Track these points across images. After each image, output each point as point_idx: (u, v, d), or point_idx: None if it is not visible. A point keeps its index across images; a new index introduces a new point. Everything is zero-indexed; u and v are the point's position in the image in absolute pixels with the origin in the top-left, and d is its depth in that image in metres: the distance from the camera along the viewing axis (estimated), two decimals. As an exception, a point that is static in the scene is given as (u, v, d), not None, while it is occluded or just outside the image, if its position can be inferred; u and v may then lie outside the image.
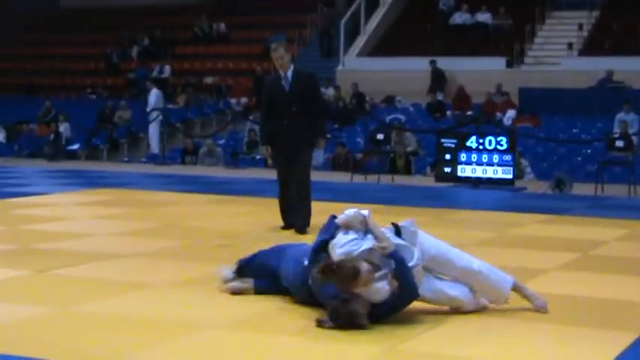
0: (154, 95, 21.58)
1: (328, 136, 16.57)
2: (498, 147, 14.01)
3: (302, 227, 8.88)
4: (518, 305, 5.72)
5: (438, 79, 23.32)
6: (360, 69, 24.27)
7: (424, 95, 22.76)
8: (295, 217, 8.99)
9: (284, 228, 9.06)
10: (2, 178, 14.88)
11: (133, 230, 9.12)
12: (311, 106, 8.86)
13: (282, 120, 8.82)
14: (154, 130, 21.15)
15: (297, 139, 8.80)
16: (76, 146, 22.14)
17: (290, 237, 8.60)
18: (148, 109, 21.32)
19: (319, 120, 9.03)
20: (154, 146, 21.11)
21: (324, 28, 26.50)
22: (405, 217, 5.94)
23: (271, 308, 5.74)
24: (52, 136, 21.52)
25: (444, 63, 23.70)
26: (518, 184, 14.47)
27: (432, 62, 23.44)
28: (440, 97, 22.71)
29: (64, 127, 22.03)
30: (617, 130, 18.06)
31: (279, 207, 9.19)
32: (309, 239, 8.54)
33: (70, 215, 10.24)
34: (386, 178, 15.79)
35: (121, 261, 7.38)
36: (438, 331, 5.25)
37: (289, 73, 8.83)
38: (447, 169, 14.38)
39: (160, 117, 20.44)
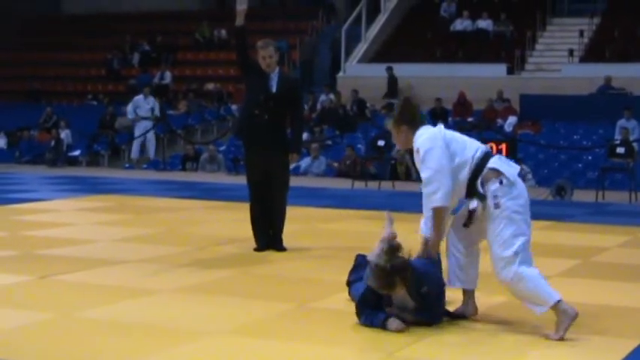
0: (141, 102, 21.59)
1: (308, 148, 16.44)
2: (499, 153, 13.99)
3: (281, 248, 8.30)
4: (518, 314, 5.72)
5: (393, 85, 23.48)
6: (361, 75, 24.30)
7: (425, 102, 22.75)
8: (272, 237, 8.35)
9: (257, 249, 8.26)
10: (3, 185, 14.89)
11: (134, 236, 9.12)
12: (292, 111, 8.36)
13: (262, 115, 8.14)
14: (151, 136, 21.24)
15: (275, 148, 8.18)
16: (77, 152, 22.13)
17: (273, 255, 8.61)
18: (129, 117, 21.45)
19: (297, 131, 8.48)
20: (152, 152, 21.16)
21: (305, 57, 26.66)
22: (407, 224, 5.93)
23: (272, 314, 5.75)
24: (53, 143, 21.53)
25: (445, 69, 23.72)
26: (520, 190, 14.45)
27: (389, 69, 23.70)
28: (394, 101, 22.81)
29: (65, 134, 22.03)
30: (618, 136, 18.07)
31: (250, 216, 8.41)
32: (318, 241, 8.54)
33: (71, 221, 10.25)
34: (387, 185, 15.80)
35: (122, 267, 7.38)
36: (435, 339, 5.25)
37: (274, 75, 8.30)
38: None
39: (149, 127, 20.70)
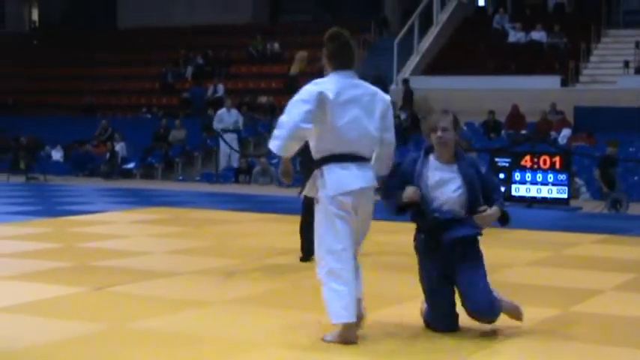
0: (224, 115, 21.86)
1: None
2: (553, 166, 13.89)
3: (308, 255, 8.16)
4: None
5: (408, 97, 23.39)
6: (413, 88, 24.25)
7: (478, 114, 22.66)
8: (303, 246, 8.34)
9: (302, 259, 8.28)
10: (60, 197, 15.11)
11: (187, 248, 9.19)
12: None
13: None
14: (235, 146, 21.44)
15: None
16: (131, 165, 22.39)
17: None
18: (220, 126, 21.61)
19: None
20: (236, 162, 21.23)
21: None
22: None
23: (324, 326, 5.74)
24: (107, 155, 21.80)
25: (498, 82, 23.57)
26: (574, 203, 14.33)
27: (405, 81, 23.76)
28: (403, 115, 22.68)
29: (119, 146, 22.30)
30: (674, 149, 17.81)
31: (299, 228, 8.47)
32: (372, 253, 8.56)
33: (125, 233, 10.36)
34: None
35: (175, 279, 7.45)
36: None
37: None
38: (501, 189, 14.26)
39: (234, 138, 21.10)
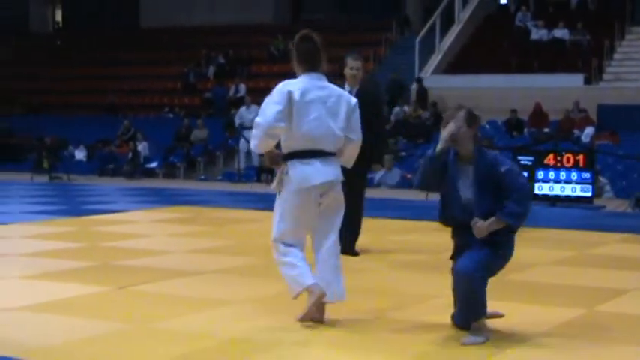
0: (244, 113, 21.88)
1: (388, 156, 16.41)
2: (576, 165, 13.81)
3: (353, 252, 8.47)
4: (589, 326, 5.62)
5: (423, 96, 23.32)
6: (435, 86, 24.20)
7: (500, 112, 22.59)
8: (344, 242, 8.64)
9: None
10: (83, 196, 15.18)
11: (209, 247, 9.21)
12: (371, 125, 8.33)
13: None
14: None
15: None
16: (153, 164, 22.47)
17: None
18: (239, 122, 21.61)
19: (377, 142, 8.53)
20: (256, 161, 21.24)
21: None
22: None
23: (346, 325, 5.74)
24: (130, 155, 21.89)
25: (520, 80, 23.48)
26: (597, 202, 14.23)
27: (418, 80, 23.73)
28: (427, 114, 22.63)
29: (142, 146, 22.39)
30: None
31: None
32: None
33: (148, 232, 10.39)
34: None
35: (198, 278, 7.46)
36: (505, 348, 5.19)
37: (355, 90, 8.48)
38: (524, 189, 14.17)
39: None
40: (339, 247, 5.83)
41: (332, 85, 5.78)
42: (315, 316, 5.65)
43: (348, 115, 5.73)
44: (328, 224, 5.74)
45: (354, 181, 8.38)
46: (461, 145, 5.41)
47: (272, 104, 5.61)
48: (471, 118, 5.44)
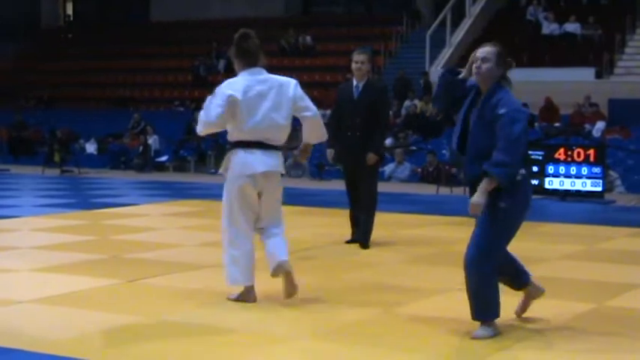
0: None
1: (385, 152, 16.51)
2: (587, 159, 13.78)
3: (364, 242, 8.71)
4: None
5: (429, 90, 23.33)
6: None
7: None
8: (358, 231, 8.87)
9: (348, 242, 8.91)
10: (94, 189, 15.23)
11: (219, 241, 9.19)
12: (377, 120, 8.72)
13: (346, 131, 8.73)
14: None
15: (356, 153, 8.64)
16: (164, 158, 22.49)
17: (355, 248, 8.61)
18: None
19: (376, 134, 8.72)
20: None
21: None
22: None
23: (355, 320, 5.75)
24: (140, 148, 21.92)
25: (532, 74, 23.40)
26: (608, 196, 14.21)
27: (424, 74, 23.72)
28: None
29: (152, 139, 22.41)
30: None
31: (349, 219, 9.05)
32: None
33: (158, 226, 10.42)
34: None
35: (208, 271, 7.48)
36: (522, 346, 5.18)
37: (361, 84, 8.72)
38: (535, 182, 14.18)
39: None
40: (282, 228, 6.33)
41: (272, 77, 6.18)
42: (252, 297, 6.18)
43: (294, 100, 6.14)
44: (269, 210, 6.19)
45: (364, 173, 8.65)
46: (482, 81, 5.26)
47: (215, 106, 6.01)
48: (501, 58, 5.27)
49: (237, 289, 6.24)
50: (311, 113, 6.29)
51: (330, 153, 9.05)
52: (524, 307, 5.67)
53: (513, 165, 5.07)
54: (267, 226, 6.24)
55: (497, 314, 5.26)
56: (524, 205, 5.25)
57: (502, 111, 5.10)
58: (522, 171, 5.17)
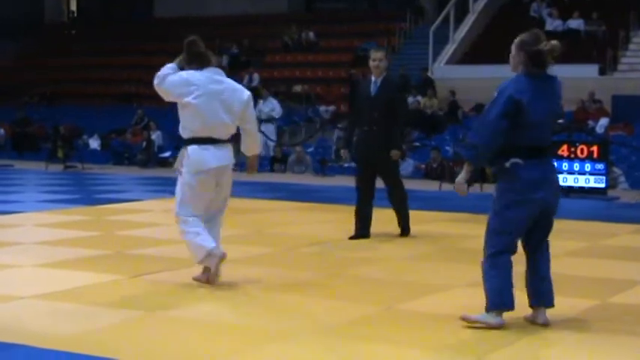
0: (260, 105, 21.82)
1: (405, 147, 16.53)
2: (590, 156, 13.77)
3: (404, 231, 9.15)
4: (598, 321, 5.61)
5: (428, 86, 23.31)
6: (449, 77, 24.12)
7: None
8: (398, 222, 9.22)
9: (352, 238, 8.96)
10: (98, 185, 15.23)
11: (223, 237, 9.17)
12: (395, 115, 8.87)
13: (363, 126, 8.96)
14: (272, 136, 21.35)
15: (374, 149, 8.84)
16: (167, 154, 22.47)
17: (359, 244, 8.61)
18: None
19: (396, 130, 8.95)
20: (272, 151, 21.25)
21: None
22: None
23: (359, 316, 5.75)
24: (144, 144, 21.93)
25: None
26: (611, 193, 14.19)
27: (424, 70, 23.86)
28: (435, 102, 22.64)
29: (155, 135, 22.41)
30: None
31: (354, 214, 9.11)
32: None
33: (162, 222, 10.41)
34: (475, 187, 15.64)
35: (211, 267, 7.46)
36: (528, 341, 5.18)
37: (379, 80, 8.93)
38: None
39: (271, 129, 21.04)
40: (223, 214, 6.90)
41: (228, 80, 6.69)
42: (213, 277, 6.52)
43: (243, 107, 6.63)
44: (220, 200, 6.71)
45: (387, 165, 8.95)
46: (512, 67, 5.47)
47: (171, 77, 6.88)
48: (521, 45, 5.55)
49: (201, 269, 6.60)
50: (253, 128, 6.81)
51: (344, 153, 9.61)
52: (532, 318, 5.61)
53: (483, 146, 5.17)
54: (213, 213, 6.74)
55: (496, 306, 5.27)
56: (521, 196, 5.23)
57: (495, 94, 5.39)
58: (516, 160, 5.17)
